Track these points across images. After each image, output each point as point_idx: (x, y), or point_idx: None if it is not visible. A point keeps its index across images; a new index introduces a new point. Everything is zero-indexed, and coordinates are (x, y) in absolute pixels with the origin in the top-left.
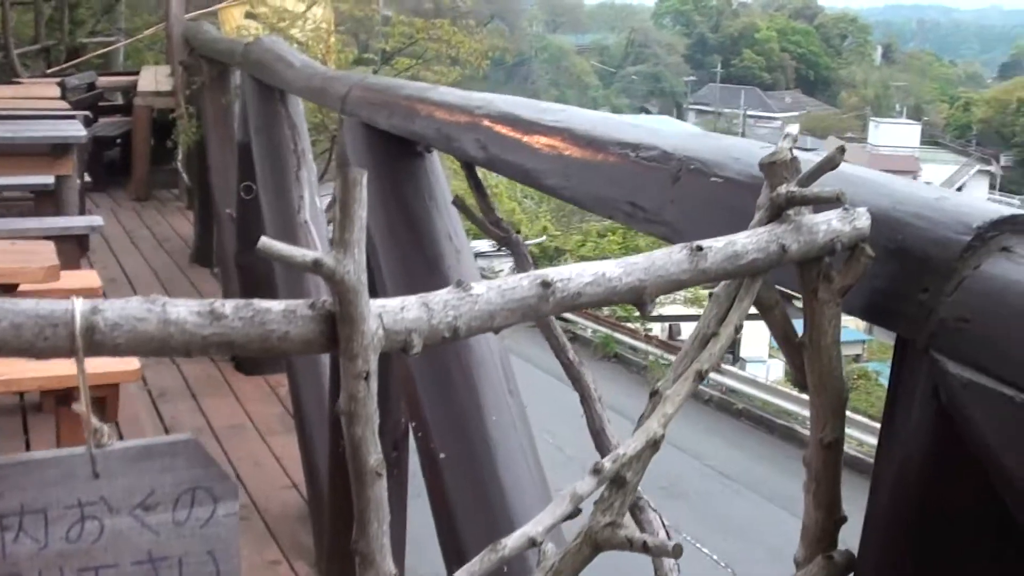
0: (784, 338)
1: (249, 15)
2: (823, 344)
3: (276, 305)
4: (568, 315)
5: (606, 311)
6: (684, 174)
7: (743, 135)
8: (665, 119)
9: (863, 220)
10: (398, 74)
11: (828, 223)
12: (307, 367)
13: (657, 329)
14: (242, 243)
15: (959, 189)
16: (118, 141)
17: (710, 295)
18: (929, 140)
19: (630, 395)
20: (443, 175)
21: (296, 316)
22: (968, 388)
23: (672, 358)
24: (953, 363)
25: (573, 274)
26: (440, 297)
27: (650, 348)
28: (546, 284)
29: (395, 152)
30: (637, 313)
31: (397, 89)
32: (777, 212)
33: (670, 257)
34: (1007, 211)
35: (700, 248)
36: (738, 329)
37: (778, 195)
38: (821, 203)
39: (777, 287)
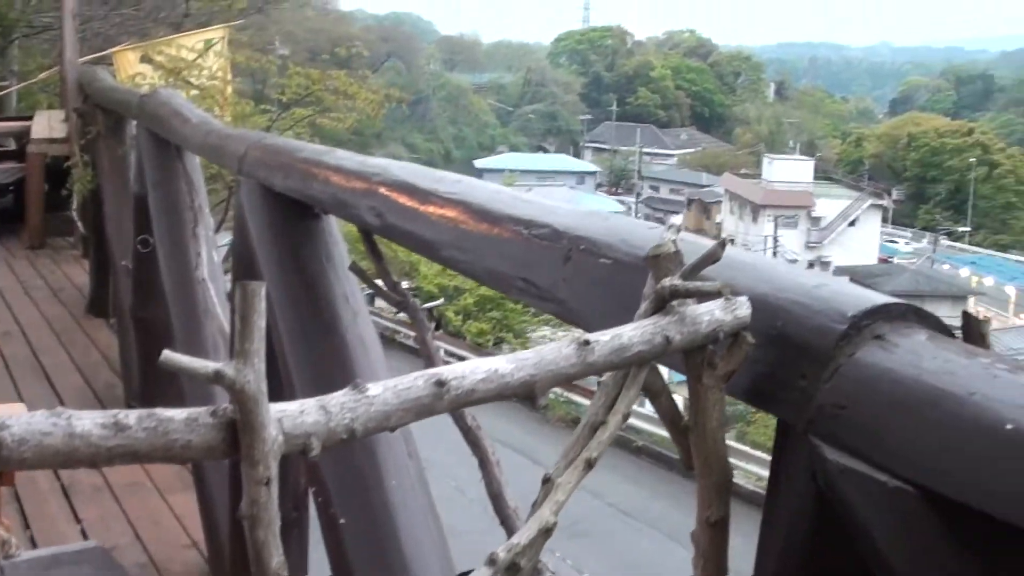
0: (671, 422)
1: (145, 59)
2: (708, 428)
3: (178, 414)
4: (468, 355)
5: (506, 348)
6: (575, 253)
7: (639, 172)
8: (562, 158)
9: (744, 310)
10: (296, 123)
11: (711, 313)
12: None
13: None
14: (139, 296)
15: (852, 223)
16: (11, 188)
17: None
18: (822, 175)
19: (529, 432)
20: (340, 237)
21: (198, 425)
22: (844, 473)
23: (574, 396)
24: (830, 448)
25: (467, 372)
26: (337, 400)
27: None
28: (440, 383)
29: (292, 214)
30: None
31: (294, 151)
32: (661, 304)
33: (559, 352)
34: (880, 300)
35: (587, 342)
36: (626, 417)
37: (663, 288)
38: (703, 297)
39: None
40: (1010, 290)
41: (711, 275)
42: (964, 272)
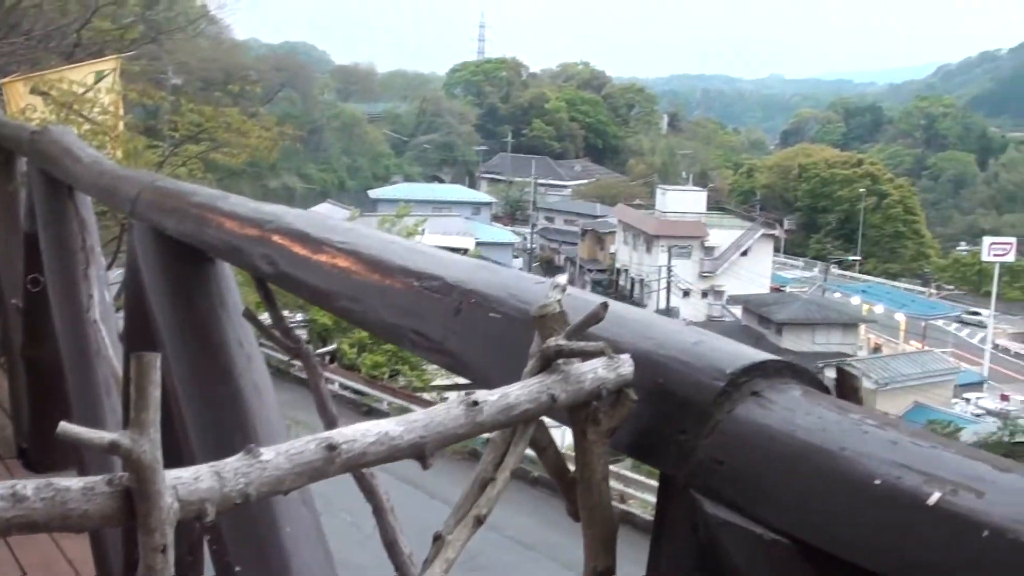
0: (557, 475)
1: (35, 91)
2: (593, 481)
3: (75, 483)
4: (363, 388)
5: (401, 381)
6: (465, 307)
7: (534, 203)
8: (458, 188)
9: (626, 367)
10: (189, 159)
11: (594, 371)
12: (98, 464)
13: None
14: (29, 336)
15: (745, 253)
16: None
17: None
18: (715, 206)
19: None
20: (234, 281)
21: (95, 494)
22: (723, 526)
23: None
24: (710, 502)
25: (358, 435)
26: (231, 465)
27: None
28: (332, 447)
29: (185, 259)
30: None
31: (187, 195)
32: (547, 363)
33: (448, 413)
34: (757, 357)
35: (476, 403)
36: (514, 473)
37: (548, 348)
38: (587, 356)
39: None
40: (900, 317)
41: (596, 332)
42: (855, 300)
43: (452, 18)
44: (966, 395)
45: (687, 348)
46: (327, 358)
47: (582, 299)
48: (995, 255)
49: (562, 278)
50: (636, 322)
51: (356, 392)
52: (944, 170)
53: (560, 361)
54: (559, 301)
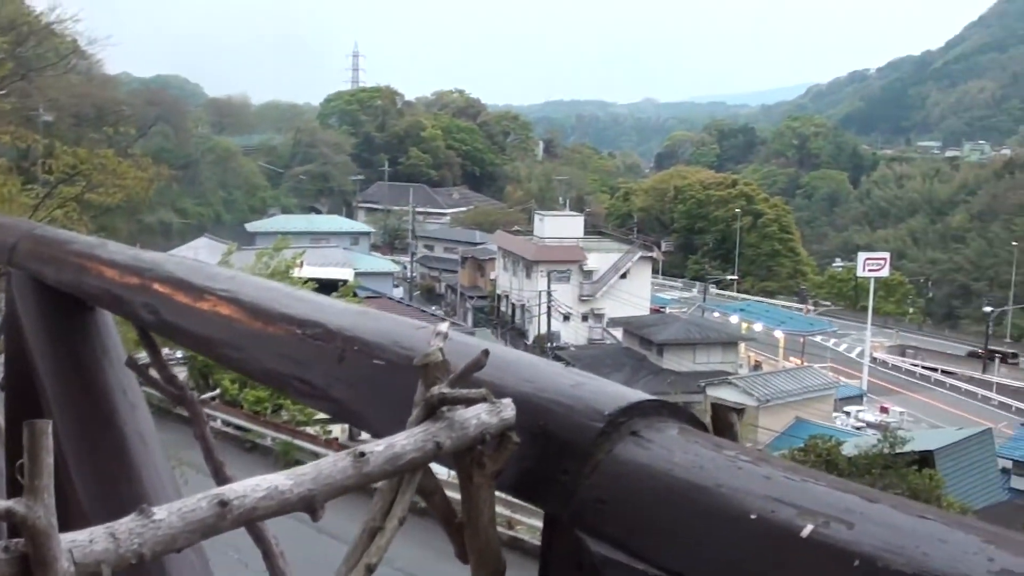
0: (445, 519)
1: None
2: (480, 524)
3: None
4: (246, 424)
5: (284, 415)
6: (348, 354)
7: (413, 232)
8: (336, 218)
9: (508, 412)
10: (66, 201)
11: (478, 417)
12: None
13: (337, 430)
14: None
15: (624, 276)
16: None
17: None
18: (593, 230)
19: None
20: (115, 329)
21: None
22: (607, 564)
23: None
24: (593, 540)
25: (248, 490)
26: (125, 526)
27: (331, 452)
28: (223, 503)
29: (65, 308)
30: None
31: (65, 243)
32: (432, 411)
33: (335, 465)
34: (635, 397)
35: (363, 454)
36: (402, 521)
37: (432, 396)
38: (470, 403)
39: None
40: (779, 334)
41: (479, 377)
42: (734, 319)
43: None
44: (846, 409)
45: (567, 390)
46: (212, 394)
47: (464, 344)
48: (870, 270)
49: (443, 325)
50: (517, 365)
51: (239, 428)
52: (817, 188)
53: (444, 408)
54: (441, 349)
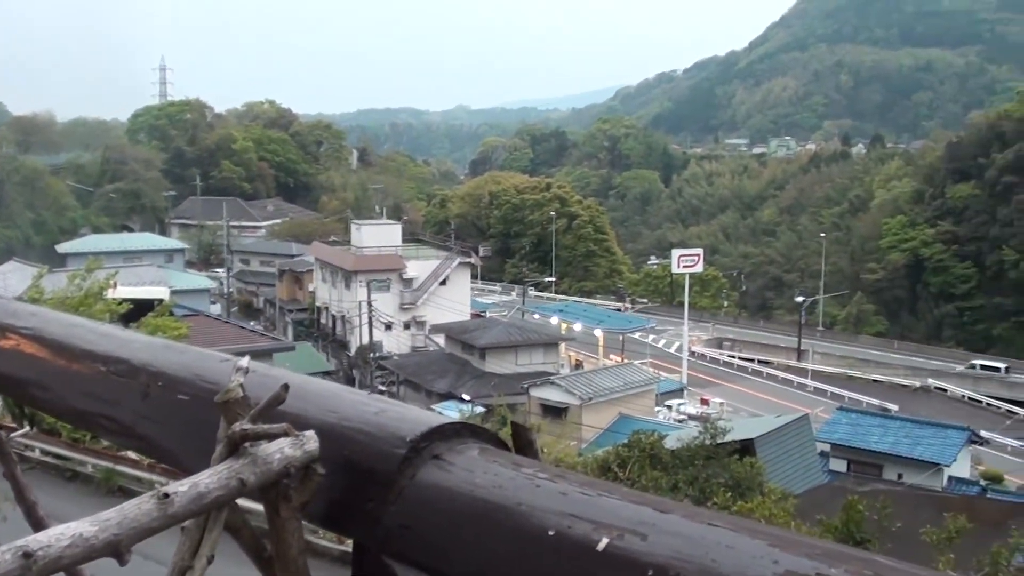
0: (255, 554)
1: None
2: (289, 557)
3: None
4: (66, 452)
5: (105, 441)
6: (153, 390)
7: (228, 247)
8: (149, 236)
9: (312, 444)
10: None
11: (281, 451)
12: None
13: None
14: None
15: (443, 282)
16: None
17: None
18: (411, 238)
19: None
20: None
21: None
22: None
23: (164, 479)
24: (400, 566)
25: (52, 539)
26: None
27: (154, 476)
28: (27, 555)
29: None
30: None
31: None
32: (234, 447)
33: (140, 508)
34: (435, 421)
35: (167, 495)
36: (210, 560)
37: (233, 433)
38: (273, 437)
39: None
40: (598, 333)
41: (282, 409)
42: (554, 320)
43: (132, 62)
44: (668, 403)
45: (369, 418)
46: (28, 425)
47: (267, 376)
48: (684, 267)
49: (244, 360)
50: (320, 396)
51: (59, 457)
52: (630, 188)
53: (247, 444)
54: (241, 385)
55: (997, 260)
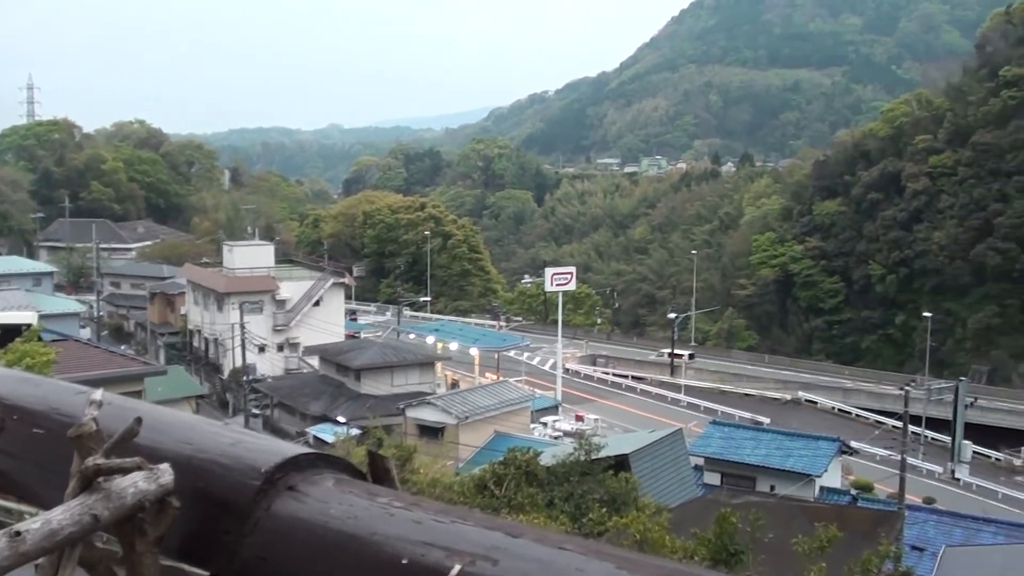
0: None
1: None
2: None
3: None
4: None
5: None
6: (9, 423)
7: (98, 269)
8: (15, 259)
9: (166, 477)
10: None
11: (135, 485)
12: None
13: None
14: None
15: (317, 303)
16: None
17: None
18: (283, 258)
19: None
20: None
21: None
22: None
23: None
24: None
25: None
26: None
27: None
28: None
29: None
30: None
31: None
32: (87, 483)
33: None
34: (290, 452)
35: (18, 533)
36: None
37: (86, 468)
38: (126, 472)
39: None
40: (474, 352)
41: (138, 442)
42: (430, 339)
43: None
44: (543, 419)
45: (225, 450)
46: None
47: (122, 409)
48: (557, 284)
49: (97, 394)
50: (175, 427)
51: None
52: (504, 208)
53: (100, 479)
54: (94, 419)
55: (864, 275)
